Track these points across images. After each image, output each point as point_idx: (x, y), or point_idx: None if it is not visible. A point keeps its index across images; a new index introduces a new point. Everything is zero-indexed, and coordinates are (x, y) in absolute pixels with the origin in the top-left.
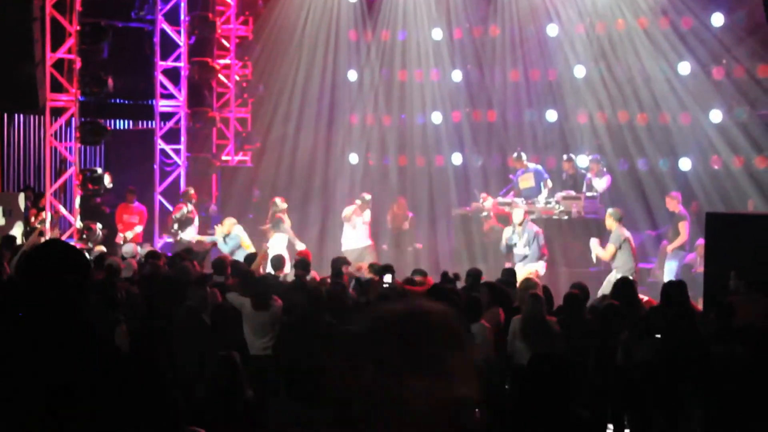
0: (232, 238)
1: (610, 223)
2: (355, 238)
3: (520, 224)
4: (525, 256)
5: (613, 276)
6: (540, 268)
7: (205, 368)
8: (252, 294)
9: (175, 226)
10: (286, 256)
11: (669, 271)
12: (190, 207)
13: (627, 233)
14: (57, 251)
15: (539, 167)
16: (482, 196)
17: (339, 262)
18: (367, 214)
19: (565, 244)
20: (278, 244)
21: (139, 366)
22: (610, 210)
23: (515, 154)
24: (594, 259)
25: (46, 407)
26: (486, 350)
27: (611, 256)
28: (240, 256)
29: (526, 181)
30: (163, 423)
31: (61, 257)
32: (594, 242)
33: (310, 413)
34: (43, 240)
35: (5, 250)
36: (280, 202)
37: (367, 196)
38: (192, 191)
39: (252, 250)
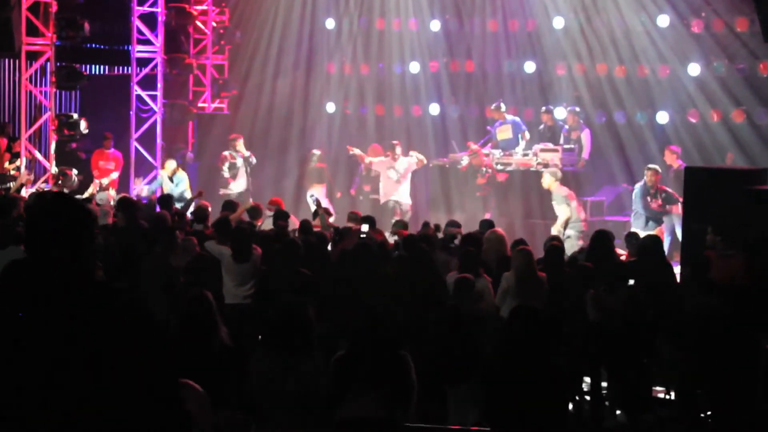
0: (180, 179)
1: (550, 182)
2: (389, 190)
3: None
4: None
5: (557, 230)
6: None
7: (175, 311)
8: (232, 244)
9: (225, 174)
10: (327, 204)
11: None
12: (236, 155)
13: (566, 190)
14: (62, 207)
15: (517, 119)
16: (473, 148)
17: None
18: (403, 164)
19: (542, 196)
20: (318, 194)
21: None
22: (549, 170)
23: (494, 105)
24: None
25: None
26: (492, 302)
27: (567, 219)
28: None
29: (503, 133)
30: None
31: (68, 212)
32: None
33: (288, 361)
34: (23, 189)
35: None
36: (319, 153)
37: (397, 148)
38: (238, 140)
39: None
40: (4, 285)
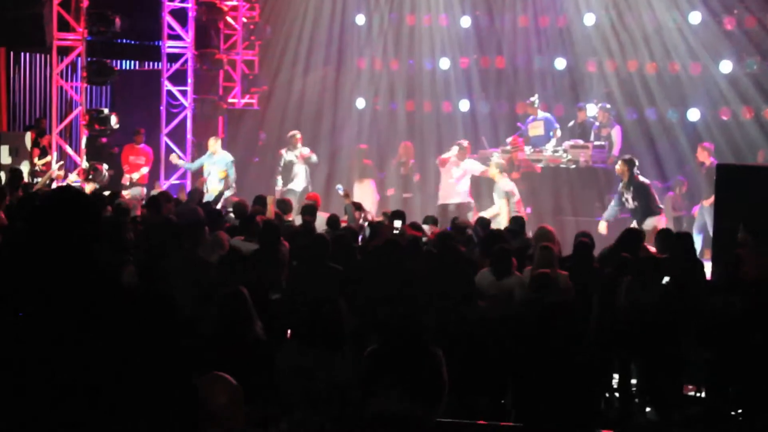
0: (220, 159)
1: (494, 173)
2: (449, 191)
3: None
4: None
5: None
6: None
7: (209, 306)
8: (260, 239)
9: (279, 179)
10: (373, 200)
11: (701, 228)
12: (293, 153)
13: (510, 185)
14: (66, 201)
15: (550, 116)
16: (513, 141)
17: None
18: (468, 165)
19: (572, 193)
20: (366, 189)
21: (156, 308)
22: (495, 160)
23: (529, 100)
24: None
25: (66, 359)
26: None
27: (495, 214)
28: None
29: (535, 129)
30: (182, 363)
31: (72, 208)
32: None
33: (318, 355)
34: (53, 184)
35: (9, 186)
36: (365, 149)
37: (465, 143)
38: (297, 135)
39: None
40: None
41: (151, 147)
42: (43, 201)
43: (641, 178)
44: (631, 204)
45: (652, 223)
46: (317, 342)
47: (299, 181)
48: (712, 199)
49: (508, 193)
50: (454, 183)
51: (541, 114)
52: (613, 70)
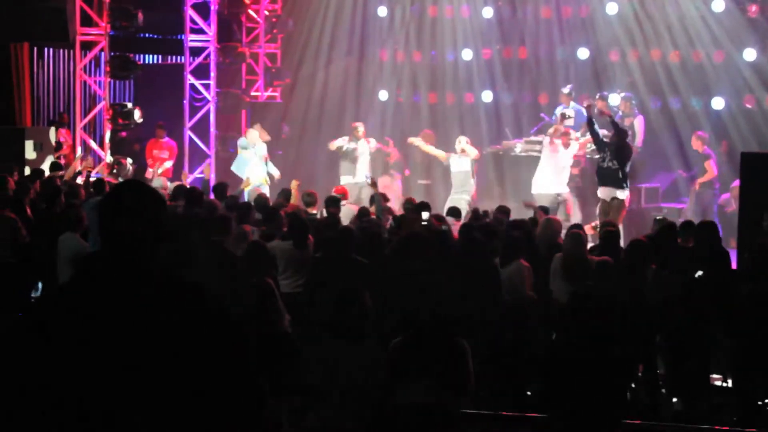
0: (260, 149)
1: (465, 144)
2: (548, 180)
3: None
4: None
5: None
6: None
7: (235, 298)
8: (287, 232)
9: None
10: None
11: (693, 206)
12: (354, 144)
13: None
14: (135, 195)
15: (582, 109)
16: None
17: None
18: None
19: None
20: (390, 181)
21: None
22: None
23: (566, 89)
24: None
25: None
26: (522, 290)
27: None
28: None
29: (567, 120)
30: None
31: (141, 201)
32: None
33: (344, 347)
34: (78, 178)
35: (30, 184)
36: (391, 142)
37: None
38: (360, 128)
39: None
40: (78, 280)
41: (175, 141)
42: (117, 198)
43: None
44: (607, 162)
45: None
46: (342, 334)
47: (362, 173)
48: (703, 178)
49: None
50: (548, 173)
51: (574, 106)
52: (636, 60)
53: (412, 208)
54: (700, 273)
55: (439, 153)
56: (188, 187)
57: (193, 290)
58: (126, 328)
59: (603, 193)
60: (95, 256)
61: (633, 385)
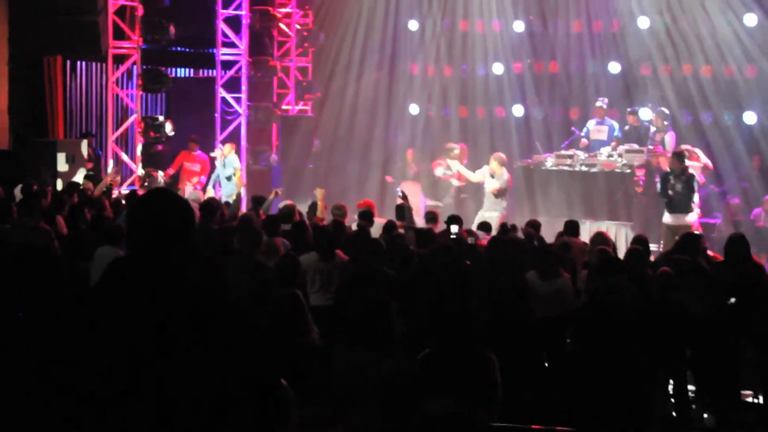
0: (229, 161)
1: (495, 167)
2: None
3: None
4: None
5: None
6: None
7: (263, 309)
8: (316, 245)
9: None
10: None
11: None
12: (451, 169)
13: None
14: (164, 204)
15: (615, 123)
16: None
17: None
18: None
19: (627, 198)
20: (414, 191)
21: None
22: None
23: (601, 102)
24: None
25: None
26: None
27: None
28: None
29: (599, 133)
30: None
31: (170, 210)
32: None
33: (370, 357)
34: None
35: (67, 197)
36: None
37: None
38: (455, 149)
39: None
40: (107, 283)
41: (206, 154)
42: (147, 205)
43: (691, 171)
44: (678, 189)
45: (685, 219)
46: (369, 344)
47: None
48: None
49: (505, 184)
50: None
51: (607, 120)
52: (668, 74)
53: (432, 221)
54: (732, 300)
55: (474, 177)
56: (217, 200)
57: (209, 293)
58: (146, 325)
59: (677, 221)
60: (125, 258)
61: (663, 400)
